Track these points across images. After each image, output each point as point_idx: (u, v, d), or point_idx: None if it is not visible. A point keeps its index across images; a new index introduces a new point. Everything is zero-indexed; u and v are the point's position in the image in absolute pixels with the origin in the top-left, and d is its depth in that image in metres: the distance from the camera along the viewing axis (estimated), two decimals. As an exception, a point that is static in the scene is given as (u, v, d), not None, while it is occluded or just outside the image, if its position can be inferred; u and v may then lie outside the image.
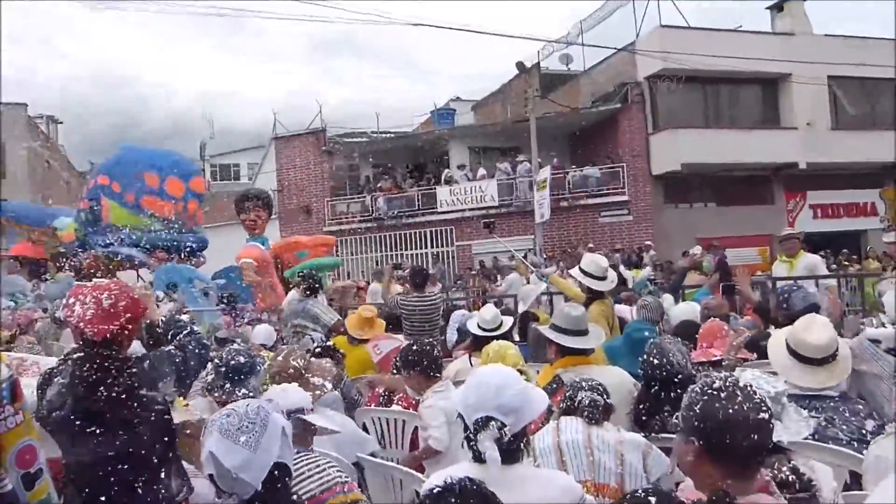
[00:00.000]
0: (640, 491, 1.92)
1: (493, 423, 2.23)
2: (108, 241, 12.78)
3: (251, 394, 3.29)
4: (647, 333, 4.58)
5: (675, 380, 3.49)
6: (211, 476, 1.79)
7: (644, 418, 3.60)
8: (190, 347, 2.61)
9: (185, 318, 3.24)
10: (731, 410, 1.91)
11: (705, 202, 24.04)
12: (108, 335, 2.33)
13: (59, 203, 28.63)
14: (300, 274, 12.89)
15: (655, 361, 3.56)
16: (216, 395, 3.31)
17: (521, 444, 2.30)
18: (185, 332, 2.73)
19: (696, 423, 1.95)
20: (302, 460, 2.53)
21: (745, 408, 1.91)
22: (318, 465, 2.53)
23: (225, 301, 10.86)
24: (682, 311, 5.96)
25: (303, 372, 3.70)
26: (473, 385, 2.36)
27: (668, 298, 8.07)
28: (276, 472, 1.78)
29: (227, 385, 3.31)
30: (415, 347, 4.31)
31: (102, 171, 13.48)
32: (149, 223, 12.93)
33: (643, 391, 3.70)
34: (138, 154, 13.73)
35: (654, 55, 21.85)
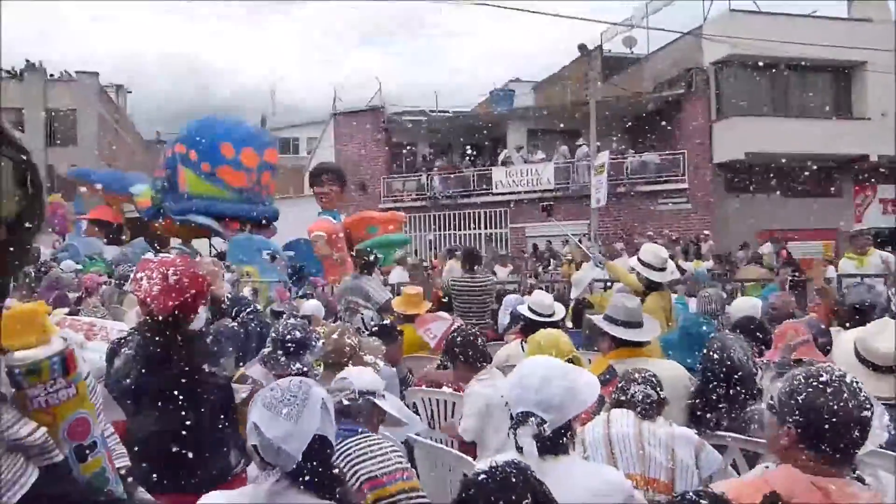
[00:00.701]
0: (691, 493, 1.89)
1: (532, 418, 2.21)
2: (183, 209, 13.04)
3: (305, 368, 3.34)
4: (704, 328, 4.48)
5: (735, 377, 3.42)
6: (255, 447, 1.84)
7: (699, 413, 3.54)
8: (252, 326, 2.66)
9: (248, 295, 3.29)
10: (836, 405, 1.94)
11: (768, 193, 23.36)
12: (172, 310, 2.39)
13: (124, 170, 29.51)
14: (357, 250, 13.12)
15: (716, 357, 3.48)
16: (270, 366, 3.37)
17: (565, 438, 2.27)
18: (248, 310, 2.78)
19: (796, 412, 1.99)
20: (365, 441, 2.55)
21: (851, 404, 1.94)
22: (381, 448, 2.54)
23: (292, 272, 11.02)
24: (743, 305, 5.81)
25: (357, 350, 3.73)
26: (517, 378, 2.35)
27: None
28: (316, 445, 1.81)
29: (283, 358, 3.36)
30: (459, 339, 4.29)
31: (180, 139, 13.64)
32: (223, 193, 13.11)
33: (700, 386, 3.63)
34: (216, 124, 13.85)
35: (722, 40, 21.24)
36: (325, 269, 12.29)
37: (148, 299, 2.41)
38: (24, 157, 1.27)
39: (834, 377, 2.00)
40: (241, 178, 13.22)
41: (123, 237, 15.94)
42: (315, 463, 1.81)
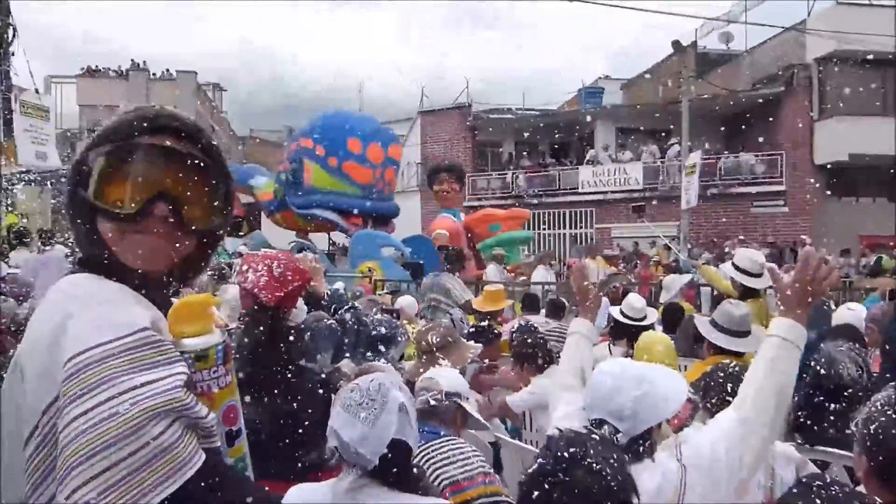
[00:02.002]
0: None
1: (606, 426, 2.14)
2: (307, 203, 13.15)
3: (389, 363, 3.38)
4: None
5: (844, 391, 3.23)
6: (336, 448, 1.85)
7: (801, 427, 3.36)
8: (349, 324, 2.69)
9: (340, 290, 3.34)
10: (880, 426, 1.83)
11: (873, 197, 22.28)
12: (278, 301, 2.46)
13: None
14: (480, 248, 13.19)
15: (822, 371, 3.30)
16: (357, 362, 3.41)
17: (643, 447, 2.15)
18: (346, 307, 2.82)
19: (866, 441, 1.87)
20: (447, 444, 2.53)
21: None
22: (462, 452, 2.51)
23: (412, 269, 11.16)
24: (847, 313, 5.51)
25: (433, 349, 3.70)
26: (591, 384, 2.27)
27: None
28: (393, 449, 1.81)
29: (368, 353, 3.40)
30: (529, 340, 4.24)
31: (306, 134, 13.73)
32: (349, 188, 13.16)
33: (803, 398, 3.45)
34: (343, 119, 13.94)
35: (827, 35, 20.31)
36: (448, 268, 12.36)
37: (255, 290, 2.48)
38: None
39: None
40: (367, 173, 13.27)
41: (241, 232, 16.30)
42: (391, 466, 1.82)
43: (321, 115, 14.23)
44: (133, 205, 1.26)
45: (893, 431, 1.81)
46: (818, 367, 3.31)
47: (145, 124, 1.30)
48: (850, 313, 5.65)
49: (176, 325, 1.27)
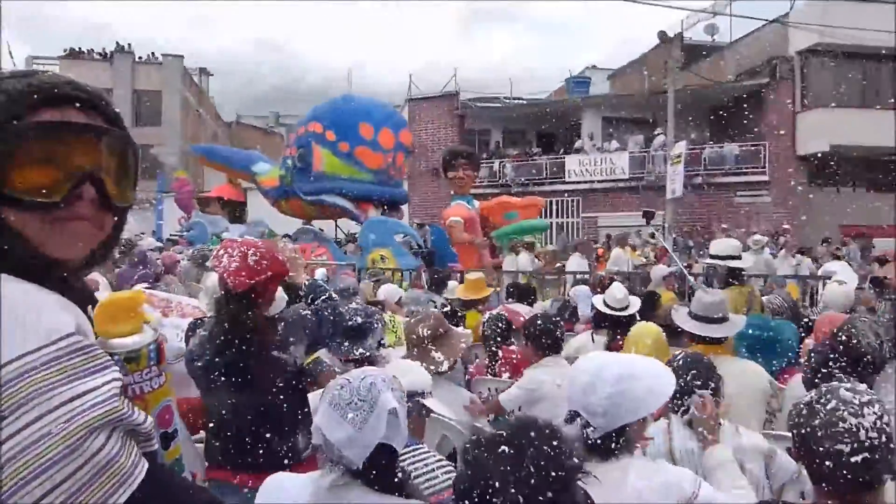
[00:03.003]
0: None
1: (579, 419, 2.13)
2: (316, 189, 12.78)
3: (367, 353, 3.36)
4: (769, 333, 4.28)
5: (863, 360, 3.14)
6: (320, 446, 1.81)
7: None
8: (325, 314, 2.65)
9: (320, 278, 3.31)
10: (805, 431, 1.80)
11: (854, 187, 22.42)
12: (247, 287, 2.42)
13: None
14: (495, 236, 12.83)
15: (846, 338, 3.22)
16: (334, 351, 3.39)
17: (617, 444, 2.13)
18: (323, 297, 2.78)
19: (798, 448, 1.86)
20: (410, 456, 2.37)
21: (820, 434, 1.77)
22: (426, 465, 2.39)
23: (419, 255, 10.96)
24: (837, 295, 5.52)
25: (425, 342, 3.67)
26: (570, 377, 2.25)
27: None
28: (379, 453, 1.75)
29: (346, 343, 3.38)
30: (539, 322, 4.24)
31: (315, 118, 13.30)
32: (360, 174, 12.77)
33: (818, 364, 3.34)
34: (354, 103, 13.53)
35: (810, 28, 20.38)
36: (461, 256, 12.13)
37: (224, 275, 2.43)
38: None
39: (821, 397, 1.82)
40: (378, 159, 12.84)
41: (244, 216, 16.03)
42: (376, 470, 1.76)
43: (330, 99, 13.85)
44: (59, 191, 1.10)
45: (819, 434, 1.76)
46: (839, 334, 3.24)
47: (43, 96, 1.12)
48: (841, 292, 5.67)
49: (103, 324, 1.18)
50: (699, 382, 2.79)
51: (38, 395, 0.95)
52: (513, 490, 1.44)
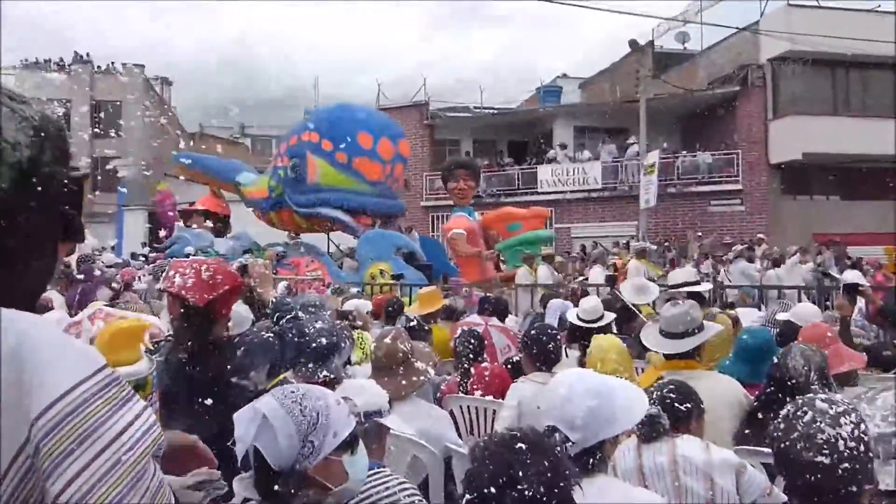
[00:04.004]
0: None
1: (557, 434, 2.12)
2: (311, 202, 12.43)
3: (332, 375, 3.30)
4: (764, 340, 4.30)
5: (790, 384, 3.25)
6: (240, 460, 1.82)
7: (752, 423, 3.38)
8: (289, 336, 2.60)
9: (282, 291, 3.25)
10: (784, 445, 1.82)
11: (827, 195, 22.82)
12: (207, 304, 2.37)
13: (166, 162, 29.99)
14: (500, 248, 12.48)
15: (775, 360, 3.36)
16: (299, 373, 3.33)
17: (593, 460, 2.15)
18: (288, 316, 2.73)
19: (779, 461, 1.88)
20: (369, 480, 2.25)
21: (799, 447, 1.79)
22: (387, 488, 2.31)
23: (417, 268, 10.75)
24: (807, 311, 5.58)
25: (409, 356, 3.62)
26: (547, 389, 2.26)
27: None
28: (262, 464, 1.78)
29: (311, 365, 3.32)
30: (533, 332, 4.21)
31: (309, 127, 12.91)
32: (359, 185, 12.41)
33: (764, 396, 3.47)
34: (351, 112, 13.19)
35: (780, 36, 20.74)
36: (463, 270, 11.98)
37: (182, 292, 2.38)
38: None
39: (798, 409, 1.85)
40: (377, 169, 12.50)
41: (228, 230, 15.60)
42: (260, 474, 1.80)
43: (324, 107, 13.50)
44: None
45: (798, 447, 1.78)
46: (776, 359, 3.36)
47: None
48: (812, 310, 5.72)
49: (113, 352, 1.20)
50: (688, 406, 2.86)
51: (100, 425, 1.02)
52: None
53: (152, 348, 1.29)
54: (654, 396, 2.86)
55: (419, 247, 12.29)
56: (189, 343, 2.38)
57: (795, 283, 10.66)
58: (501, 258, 12.93)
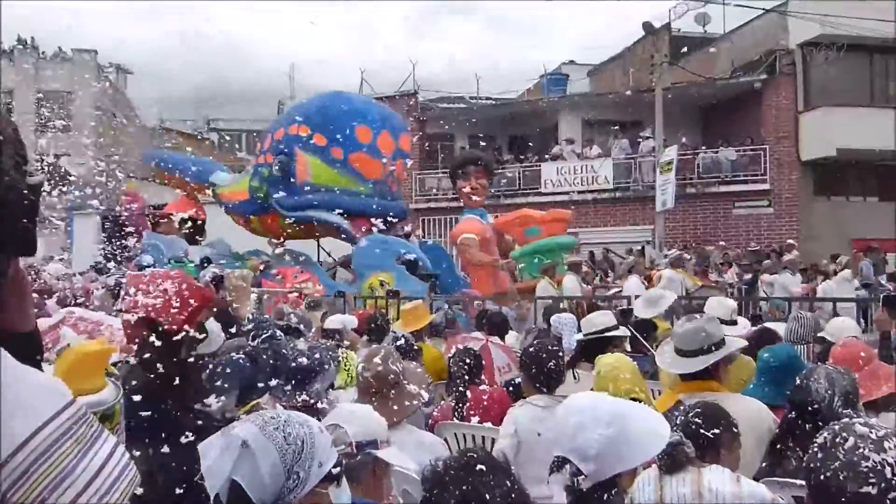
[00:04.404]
0: None
1: (567, 466, 2.14)
2: (301, 204, 12.24)
3: (312, 400, 3.32)
4: (788, 357, 4.35)
5: (813, 410, 3.27)
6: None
7: (782, 455, 3.41)
8: (263, 357, 2.61)
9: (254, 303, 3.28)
10: (823, 477, 1.82)
11: (864, 196, 22.93)
12: (183, 325, 2.37)
13: (122, 160, 29.88)
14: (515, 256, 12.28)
15: (798, 382, 3.37)
16: (277, 397, 3.35)
17: (610, 495, 2.15)
18: (264, 335, 2.74)
19: (813, 490, 1.89)
20: None
21: (843, 477, 1.79)
22: None
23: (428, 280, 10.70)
24: (842, 326, 5.63)
25: (400, 379, 3.64)
26: (556, 419, 2.28)
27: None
28: (238, 496, 1.75)
29: (288, 388, 3.33)
30: (532, 349, 4.24)
31: (297, 119, 12.68)
32: (356, 185, 12.23)
33: (783, 421, 3.52)
34: (347, 102, 12.99)
35: (811, 18, 20.88)
36: (474, 281, 11.89)
37: (154, 314, 2.39)
38: None
39: (836, 436, 1.86)
40: (376, 167, 12.36)
41: (204, 237, 15.56)
42: None
43: (316, 97, 13.39)
44: None
45: (841, 477, 1.79)
46: (799, 381, 3.38)
47: None
48: (849, 325, 5.77)
49: (76, 381, 1.20)
50: (716, 432, 2.84)
51: (72, 468, 1.00)
52: None
53: (116, 372, 1.29)
54: (679, 421, 2.86)
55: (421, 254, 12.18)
56: (158, 368, 2.38)
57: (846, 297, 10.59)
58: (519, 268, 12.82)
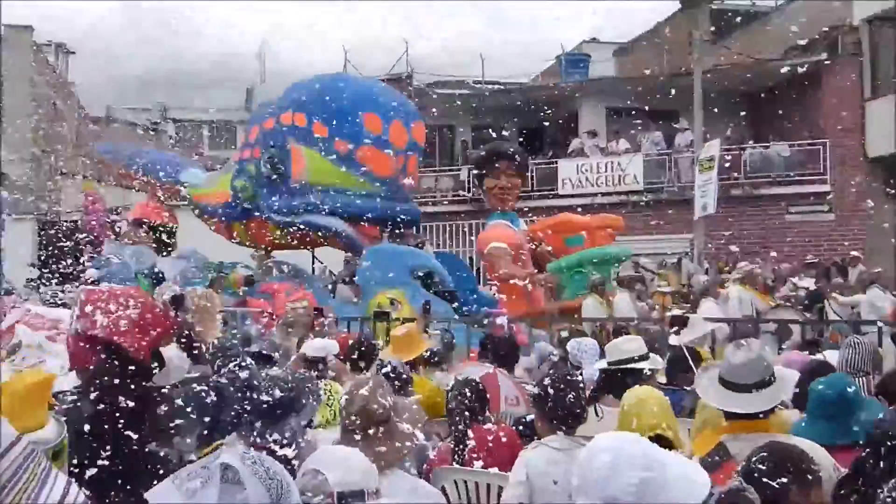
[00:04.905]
0: None
1: None
2: (296, 206, 12.07)
3: (285, 440, 3.31)
4: (848, 390, 4.35)
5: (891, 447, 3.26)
6: None
7: (841, 499, 3.39)
8: (230, 391, 2.61)
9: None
10: None
11: (943, 198, 22.95)
12: (148, 350, 2.38)
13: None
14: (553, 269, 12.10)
15: (881, 418, 3.36)
16: (243, 434, 3.35)
17: None
18: (233, 364, 2.74)
19: None
20: None
21: None
22: None
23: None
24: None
25: (391, 415, 3.64)
26: (580, 463, 2.28)
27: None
28: None
29: (259, 425, 3.32)
30: (547, 381, 4.25)
31: (291, 106, 12.55)
32: (363, 184, 12.02)
33: (855, 462, 3.48)
34: (351, 86, 12.90)
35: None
36: (507, 296, 11.78)
37: (115, 338, 2.39)
38: None
39: None
40: (388, 162, 12.16)
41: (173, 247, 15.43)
42: None
43: (314, 79, 13.20)
44: None
45: None
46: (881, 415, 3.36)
47: None
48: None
49: (15, 417, 1.22)
50: (793, 487, 2.84)
51: (35, 499, 1.05)
52: None
53: (56, 405, 1.31)
54: (741, 467, 2.89)
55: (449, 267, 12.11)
56: (109, 402, 2.39)
57: None
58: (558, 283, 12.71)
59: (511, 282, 11.57)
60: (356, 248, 12.44)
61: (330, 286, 13.59)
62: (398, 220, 12.33)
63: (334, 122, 11.97)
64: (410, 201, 13.28)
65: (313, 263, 15.90)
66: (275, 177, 12.23)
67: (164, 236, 15.19)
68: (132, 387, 2.39)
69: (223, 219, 13.40)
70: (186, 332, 3.29)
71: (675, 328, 7.84)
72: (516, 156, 13.42)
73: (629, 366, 5.32)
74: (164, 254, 14.70)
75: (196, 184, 14.11)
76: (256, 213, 12.70)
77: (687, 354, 6.43)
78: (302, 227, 12.28)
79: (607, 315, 10.52)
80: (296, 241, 13.24)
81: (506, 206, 13.04)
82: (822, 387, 4.26)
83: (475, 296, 12.20)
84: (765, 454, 2.95)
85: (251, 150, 12.90)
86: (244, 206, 12.83)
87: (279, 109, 12.76)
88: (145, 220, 15.30)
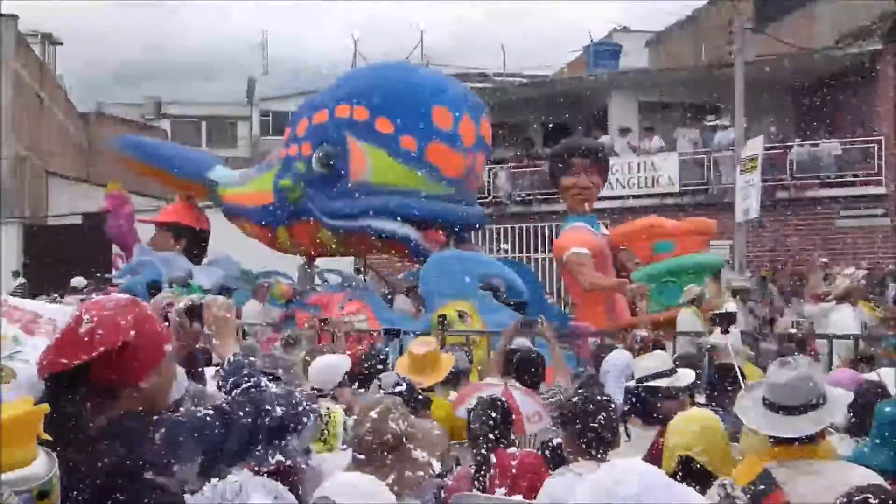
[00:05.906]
0: None
1: None
2: (353, 209, 11.84)
3: (288, 461, 3.31)
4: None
5: None
6: None
7: None
8: (239, 414, 2.57)
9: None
10: None
11: None
12: (58, 370, 2.31)
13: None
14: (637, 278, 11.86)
15: None
16: (256, 462, 3.35)
17: None
18: (245, 385, 2.72)
19: None
20: None
21: None
22: None
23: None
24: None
25: (403, 440, 3.64)
26: (604, 492, 2.27)
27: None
28: None
29: (259, 447, 3.32)
30: (576, 400, 4.25)
31: (348, 97, 12.23)
32: (432, 185, 11.79)
33: None
34: (416, 77, 12.72)
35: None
36: (582, 309, 11.71)
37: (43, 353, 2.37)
38: None
39: None
40: (458, 161, 11.93)
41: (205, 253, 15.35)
42: None
43: (367, 68, 13.18)
44: None
45: None
46: None
47: None
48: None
49: (2, 453, 1.23)
50: None
51: None
52: None
53: (49, 438, 1.31)
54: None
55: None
56: (80, 422, 2.36)
57: None
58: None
59: (592, 290, 11.44)
60: (423, 255, 12.03)
61: (388, 297, 13.45)
62: (467, 223, 12.34)
63: (399, 117, 11.70)
64: (475, 203, 13.13)
65: (365, 272, 15.76)
66: (329, 176, 12.00)
67: (196, 242, 15.10)
68: (94, 416, 2.34)
69: (264, 222, 13.13)
70: (200, 347, 3.27)
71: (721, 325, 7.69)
72: (595, 152, 13.21)
73: (650, 383, 5.31)
74: (197, 260, 14.56)
75: (229, 182, 13.93)
76: (304, 216, 12.46)
77: (737, 370, 6.40)
78: (360, 231, 12.07)
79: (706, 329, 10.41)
80: (350, 248, 13.22)
81: (585, 206, 12.81)
82: (891, 409, 4.22)
83: (540, 306, 11.73)
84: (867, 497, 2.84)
85: (300, 145, 12.54)
86: (290, 208, 12.57)
87: (334, 101, 12.40)
88: (176, 224, 15.20)
